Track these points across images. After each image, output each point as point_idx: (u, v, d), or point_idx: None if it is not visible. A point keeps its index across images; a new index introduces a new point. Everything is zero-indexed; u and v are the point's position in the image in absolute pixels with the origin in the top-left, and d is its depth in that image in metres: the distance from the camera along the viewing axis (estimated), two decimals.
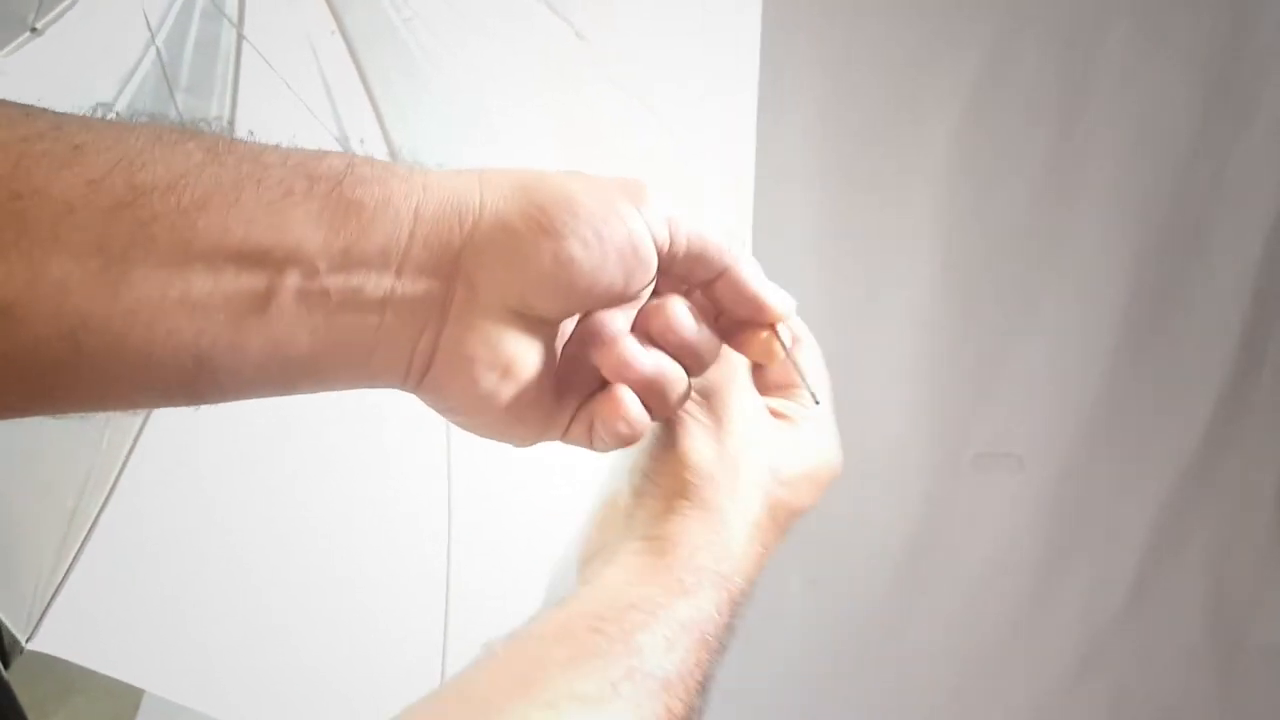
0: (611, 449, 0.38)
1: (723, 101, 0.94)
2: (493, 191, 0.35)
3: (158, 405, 0.33)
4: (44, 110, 0.30)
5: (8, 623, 1.19)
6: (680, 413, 0.39)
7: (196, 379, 0.32)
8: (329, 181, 0.32)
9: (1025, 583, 1.39)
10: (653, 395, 0.37)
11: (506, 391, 0.35)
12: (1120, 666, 1.40)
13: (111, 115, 0.32)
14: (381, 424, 1.10)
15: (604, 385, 0.38)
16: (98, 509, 1.21)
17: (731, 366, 0.41)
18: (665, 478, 0.39)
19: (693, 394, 0.40)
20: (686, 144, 0.95)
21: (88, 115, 0.31)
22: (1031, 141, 1.23)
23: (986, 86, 1.20)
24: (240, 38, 0.95)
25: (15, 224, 0.28)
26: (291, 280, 0.32)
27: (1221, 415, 1.31)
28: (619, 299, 0.36)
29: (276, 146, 0.33)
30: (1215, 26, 1.15)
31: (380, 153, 1.04)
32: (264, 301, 0.31)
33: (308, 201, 0.32)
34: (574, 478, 1.01)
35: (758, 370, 0.43)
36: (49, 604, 1.19)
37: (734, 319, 0.39)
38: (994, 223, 1.27)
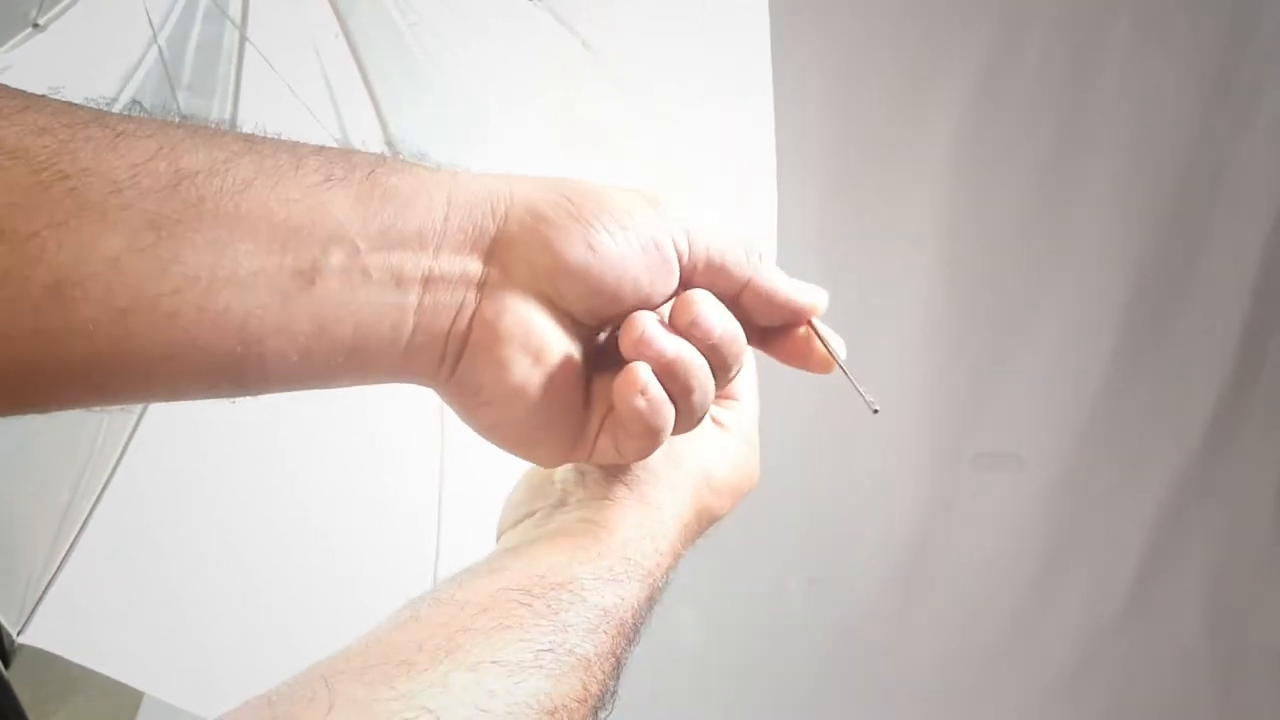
0: (638, 453, 0.37)
1: (730, 102, 0.94)
2: (522, 184, 0.36)
3: (203, 395, 0.33)
4: (85, 105, 0.31)
5: (0, 617, 1.18)
6: None
7: (243, 364, 0.32)
8: (364, 169, 0.34)
9: (1025, 583, 1.39)
10: (675, 381, 0.36)
11: (536, 382, 0.36)
12: (1120, 667, 1.40)
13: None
14: (381, 422, 1.10)
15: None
16: (91, 504, 1.20)
17: None
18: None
19: None
20: (694, 147, 0.94)
21: (126, 111, 0.32)
22: (1032, 143, 1.23)
23: (987, 88, 1.20)
24: (243, 40, 0.95)
25: (65, 202, 0.28)
26: (334, 259, 0.33)
27: (1221, 415, 1.31)
28: (644, 302, 0.36)
29: (308, 143, 0.34)
30: (1215, 27, 1.16)
31: (381, 148, 1.04)
32: (308, 281, 0.32)
33: (345, 186, 0.33)
34: None
35: None
36: (41, 597, 1.19)
37: (767, 326, 0.39)
38: (994, 224, 1.27)
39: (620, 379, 0.36)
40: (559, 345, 0.36)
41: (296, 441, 1.16)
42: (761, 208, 0.90)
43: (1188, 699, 1.40)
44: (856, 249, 1.28)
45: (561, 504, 0.40)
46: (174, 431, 1.16)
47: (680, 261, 0.36)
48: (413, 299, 0.34)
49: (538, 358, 0.36)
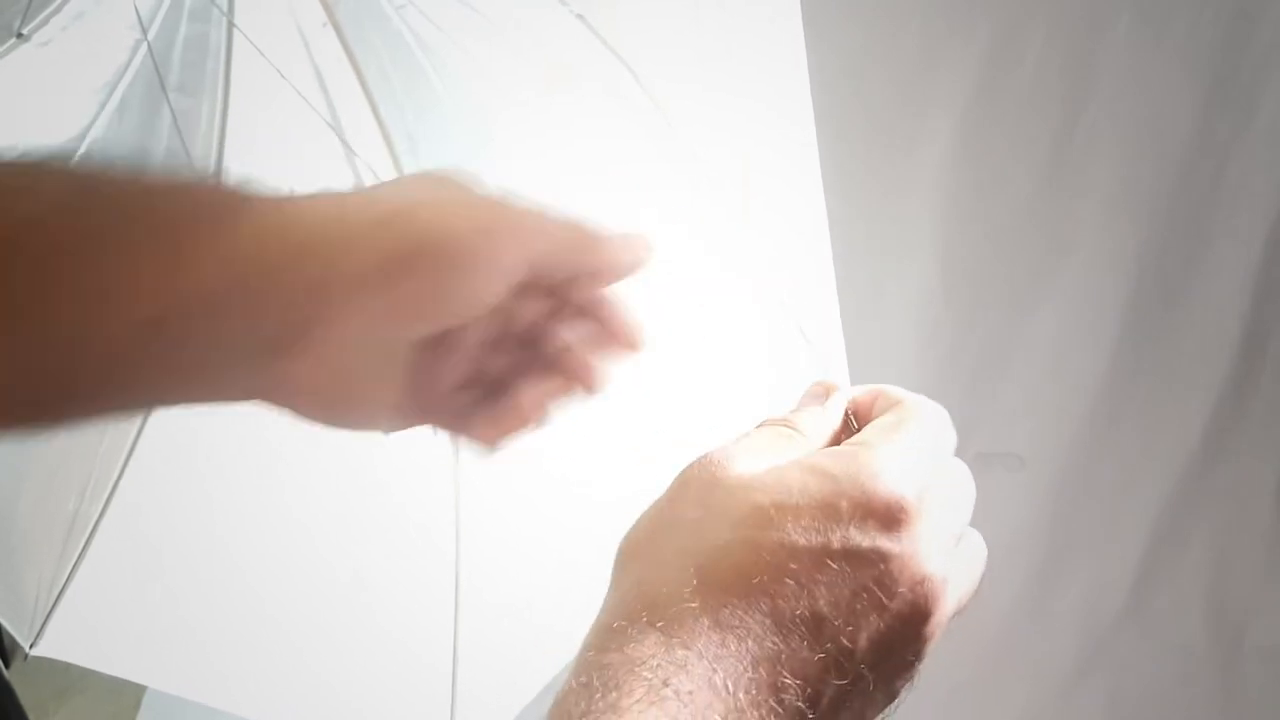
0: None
1: (728, 101, 0.94)
2: (357, 222, 0.35)
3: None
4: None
5: (11, 629, 1.18)
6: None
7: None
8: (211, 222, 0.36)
9: (1025, 582, 1.39)
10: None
11: (383, 407, 0.39)
12: (1120, 666, 1.40)
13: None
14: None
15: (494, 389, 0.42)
16: (98, 512, 1.20)
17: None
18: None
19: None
20: (698, 143, 0.94)
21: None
22: (1031, 141, 1.23)
23: (986, 85, 1.20)
24: (230, 25, 0.95)
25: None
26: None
27: (1221, 415, 1.31)
28: (473, 319, 0.38)
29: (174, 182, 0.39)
30: (1215, 27, 1.15)
31: (375, 139, 1.04)
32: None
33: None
34: (582, 478, 1.02)
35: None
36: (51, 610, 1.19)
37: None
38: (994, 222, 1.27)
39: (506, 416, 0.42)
40: (396, 376, 0.37)
41: (296, 440, 1.16)
42: (808, 225, 0.89)
43: (1188, 699, 1.39)
44: (855, 247, 1.28)
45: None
46: (177, 436, 1.16)
47: (515, 281, 0.37)
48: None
49: (374, 395, 0.39)
